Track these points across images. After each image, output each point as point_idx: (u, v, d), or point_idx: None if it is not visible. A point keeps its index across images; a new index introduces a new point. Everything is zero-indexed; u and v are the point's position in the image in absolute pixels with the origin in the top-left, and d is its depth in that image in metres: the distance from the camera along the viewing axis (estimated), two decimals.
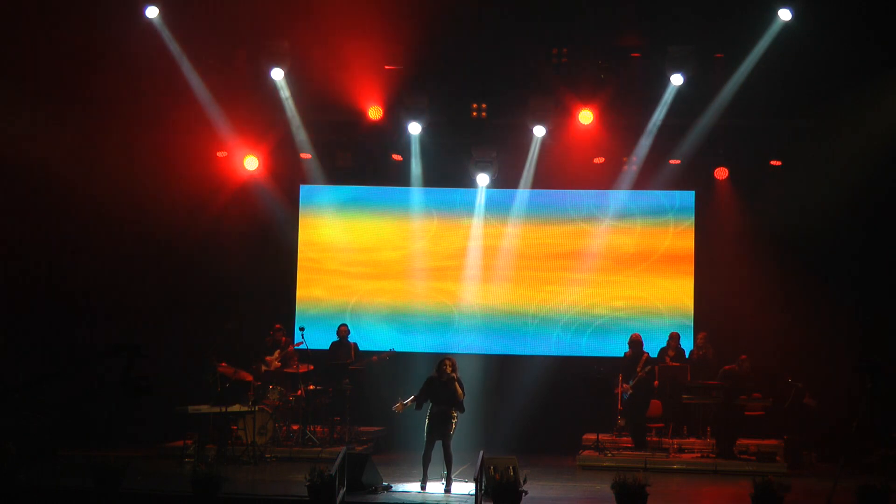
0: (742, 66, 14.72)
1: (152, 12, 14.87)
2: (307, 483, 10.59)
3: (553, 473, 13.35)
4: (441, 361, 12.04)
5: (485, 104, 15.87)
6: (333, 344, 15.52)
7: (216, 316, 15.82)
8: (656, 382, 14.90)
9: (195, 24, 14.99)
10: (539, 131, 15.75)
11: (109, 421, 14.39)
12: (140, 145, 15.51)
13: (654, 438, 14.70)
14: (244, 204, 16.66)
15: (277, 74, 15.38)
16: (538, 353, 16.30)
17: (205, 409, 13.55)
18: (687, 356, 15.34)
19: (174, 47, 15.11)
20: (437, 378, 11.96)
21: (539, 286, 16.55)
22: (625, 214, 16.44)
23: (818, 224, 15.15)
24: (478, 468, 10.72)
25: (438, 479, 12.14)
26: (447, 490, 11.73)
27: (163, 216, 16.02)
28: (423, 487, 11.76)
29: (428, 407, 11.96)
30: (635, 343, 14.83)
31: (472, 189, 16.50)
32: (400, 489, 11.80)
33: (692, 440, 14.71)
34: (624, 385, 14.68)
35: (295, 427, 14.75)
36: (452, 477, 11.86)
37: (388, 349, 15.50)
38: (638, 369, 14.53)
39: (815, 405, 14.20)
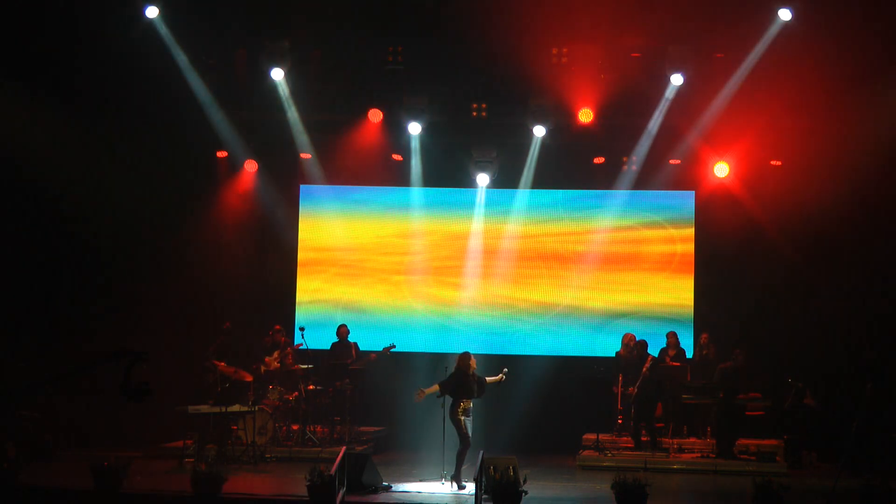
0: (742, 66, 14.72)
1: (152, 12, 14.86)
2: (307, 483, 10.59)
3: (553, 473, 13.34)
4: (468, 355, 12.32)
5: (485, 104, 15.88)
6: (334, 344, 15.51)
7: (216, 316, 15.80)
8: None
9: (195, 24, 14.99)
10: (539, 131, 15.75)
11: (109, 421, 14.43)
12: (140, 145, 15.50)
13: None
14: (244, 204, 16.67)
15: (277, 74, 15.37)
16: (538, 353, 16.30)
17: (205, 409, 13.54)
18: (689, 356, 15.35)
19: (174, 47, 15.10)
20: (464, 371, 12.18)
21: (539, 286, 16.55)
22: (625, 214, 16.43)
23: (818, 224, 15.17)
24: (478, 468, 10.72)
25: (438, 479, 12.17)
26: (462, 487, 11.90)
27: (163, 216, 16.03)
28: (461, 487, 11.90)
29: (445, 403, 12.14)
30: (642, 345, 14.75)
31: (472, 189, 16.50)
32: (400, 489, 11.81)
33: (692, 440, 14.71)
34: (630, 388, 14.59)
35: (295, 427, 14.75)
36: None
37: (387, 344, 15.44)
38: (644, 370, 14.47)
39: (815, 405, 14.20)
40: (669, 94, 15.16)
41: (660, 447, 14.36)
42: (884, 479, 10.57)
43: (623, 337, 15.05)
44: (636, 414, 14.59)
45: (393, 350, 15.13)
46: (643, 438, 14.49)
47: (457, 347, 16.07)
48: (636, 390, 14.41)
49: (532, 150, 16.00)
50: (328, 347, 15.55)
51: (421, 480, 12.30)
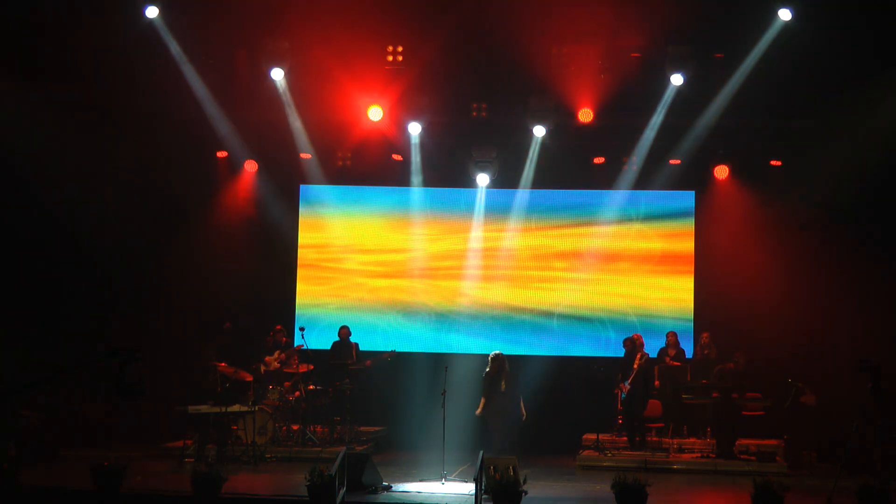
0: (742, 66, 14.70)
1: (152, 12, 14.86)
2: (307, 483, 10.59)
3: (553, 473, 13.34)
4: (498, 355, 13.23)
5: (485, 104, 15.88)
6: (335, 344, 15.52)
7: (216, 316, 15.81)
8: (657, 383, 14.91)
9: (195, 24, 14.98)
10: (539, 131, 15.75)
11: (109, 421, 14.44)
12: (140, 145, 15.51)
13: (655, 438, 14.71)
14: (244, 204, 16.67)
15: (277, 74, 15.37)
16: (538, 353, 16.29)
17: (205, 409, 13.54)
18: (689, 355, 15.35)
19: (174, 47, 15.10)
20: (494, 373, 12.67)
21: (539, 286, 16.55)
22: (625, 214, 16.43)
23: (818, 224, 15.17)
24: (478, 468, 10.72)
25: (438, 479, 12.18)
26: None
27: (163, 216, 16.03)
28: None
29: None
30: (627, 343, 14.83)
31: (472, 189, 16.50)
32: (400, 489, 11.81)
33: (692, 440, 14.72)
34: (622, 385, 14.64)
35: (295, 427, 14.76)
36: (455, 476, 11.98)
37: (388, 350, 15.46)
38: (634, 365, 14.51)
39: (815, 402, 14.18)
40: (669, 94, 15.16)
41: (658, 447, 14.36)
42: (883, 479, 10.58)
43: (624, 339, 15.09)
44: (624, 411, 14.64)
45: (391, 357, 15.21)
46: (625, 437, 14.54)
47: (456, 348, 16.18)
48: (628, 387, 14.48)
49: (532, 150, 16.00)
50: (328, 347, 15.57)
51: (421, 480, 12.30)
